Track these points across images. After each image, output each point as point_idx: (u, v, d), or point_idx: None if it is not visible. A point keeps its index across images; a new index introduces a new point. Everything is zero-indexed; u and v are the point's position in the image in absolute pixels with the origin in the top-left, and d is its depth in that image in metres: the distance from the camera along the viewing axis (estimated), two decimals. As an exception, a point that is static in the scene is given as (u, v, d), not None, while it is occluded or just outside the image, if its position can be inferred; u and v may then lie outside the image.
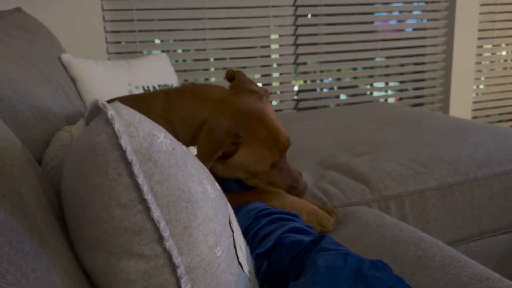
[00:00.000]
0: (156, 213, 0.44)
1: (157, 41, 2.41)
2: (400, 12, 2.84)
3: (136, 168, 0.42)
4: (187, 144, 0.83)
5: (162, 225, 0.44)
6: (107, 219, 0.43)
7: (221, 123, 0.89)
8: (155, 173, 0.44)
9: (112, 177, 0.42)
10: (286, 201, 0.98)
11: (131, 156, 0.42)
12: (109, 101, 1.01)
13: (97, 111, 0.45)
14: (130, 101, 0.96)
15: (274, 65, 2.62)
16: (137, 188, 0.43)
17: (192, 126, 0.92)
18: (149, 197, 0.43)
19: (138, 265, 0.45)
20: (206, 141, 0.88)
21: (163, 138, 0.46)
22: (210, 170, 0.87)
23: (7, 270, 0.36)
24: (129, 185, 0.43)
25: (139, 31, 2.30)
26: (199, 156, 0.86)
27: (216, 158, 0.88)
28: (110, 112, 0.42)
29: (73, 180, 0.45)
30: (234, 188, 1.08)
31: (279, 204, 0.97)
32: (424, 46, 2.89)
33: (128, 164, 0.42)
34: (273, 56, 2.64)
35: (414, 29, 2.91)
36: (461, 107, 2.99)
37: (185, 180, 0.47)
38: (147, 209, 0.43)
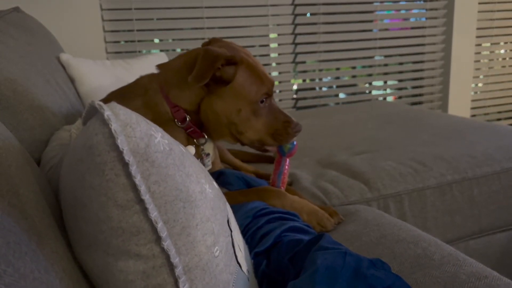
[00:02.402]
0: (153, 214, 0.43)
1: (156, 41, 2.41)
2: (399, 10, 2.85)
3: (133, 169, 0.42)
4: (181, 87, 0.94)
5: (159, 226, 0.44)
6: (105, 220, 0.43)
7: (215, 48, 0.96)
8: (152, 174, 0.44)
9: (109, 177, 0.42)
10: (286, 200, 0.98)
11: (128, 157, 0.42)
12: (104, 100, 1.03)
13: (94, 111, 0.45)
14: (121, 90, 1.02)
15: (273, 64, 2.62)
16: (135, 188, 0.43)
17: (187, 62, 0.99)
18: (146, 197, 0.43)
19: (136, 265, 0.45)
20: (203, 59, 0.93)
21: (160, 138, 0.46)
22: (210, 110, 0.97)
23: (4, 271, 0.36)
24: (127, 186, 0.43)
25: (138, 30, 2.30)
26: (197, 73, 0.91)
27: (214, 78, 0.94)
28: (107, 112, 0.42)
29: (71, 180, 0.45)
30: (234, 185, 1.08)
31: (279, 203, 0.97)
32: (423, 45, 2.89)
33: (125, 165, 0.42)
34: (272, 55, 2.64)
35: (413, 28, 2.91)
36: (460, 105, 2.99)
37: (182, 180, 0.46)
38: (145, 210, 0.43)
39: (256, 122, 1.02)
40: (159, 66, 1.06)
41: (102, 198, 0.43)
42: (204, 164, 1.05)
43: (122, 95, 1.04)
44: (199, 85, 0.95)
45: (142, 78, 1.06)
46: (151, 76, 1.05)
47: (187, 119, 1.00)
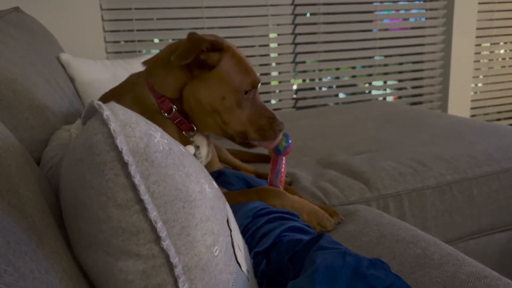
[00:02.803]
0: (153, 214, 0.43)
1: (156, 41, 2.40)
2: (398, 10, 2.85)
3: (132, 169, 0.42)
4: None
5: (159, 225, 0.44)
6: (105, 219, 0.43)
7: (201, 34, 0.96)
8: (152, 173, 0.44)
9: (109, 177, 0.42)
10: (286, 200, 0.98)
11: (127, 157, 0.42)
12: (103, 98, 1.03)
13: (93, 111, 0.45)
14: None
15: (273, 64, 2.62)
16: (134, 188, 0.43)
17: (171, 50, 0.98)
18: (146, 197, 0.43)
19: (136, 265, 0.45)
20: (188, 40, 0.93)
21: (159, 138, 0.46)
22: (193, 97, 0.95)
23: (4, 271, 0.36)
24: (126, 186, 0.43)
25: (138, 30, 2.29)
26: (180, 52, 0.91)
27: (198, 62, 0.94)
28: (106, 112, 0.42)
29: (71, 180, 0.45)
30: (234, 184, 1.08)
31: (279, 203, 0.97)
32: (422, 45, 2.89)
33: (125, 165, 0.42)
34: (272, 55, 2.64)
35: (413, 28, 2.91)
36: (459, 105, 2.99)
37: (182, 180, 0.47)
38: (144, 210, 0.43)
39: (240, 113, 1.00)
40: (145, 62, 1.07)
41: (102, 198, 0.43)
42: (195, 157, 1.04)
43: (114, 95, 1.05)
44: (181, 64, 0.93)
45: (131, 76, 1.07)
46: (139, 72, 1.06)
47: (173, 109, 0.99)
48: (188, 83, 0.98)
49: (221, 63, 0.97)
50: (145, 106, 0.99)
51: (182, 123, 1.01)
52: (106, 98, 1.05)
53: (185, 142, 1.03)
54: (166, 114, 0.99)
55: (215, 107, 0.98)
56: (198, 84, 0.97)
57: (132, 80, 1.05)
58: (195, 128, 1.02)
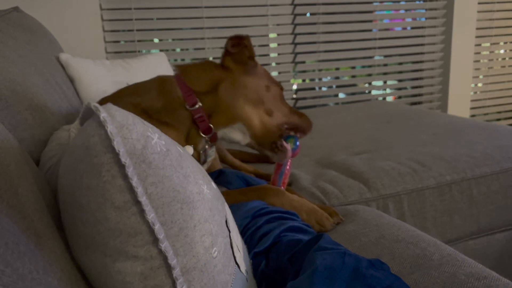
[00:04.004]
0: (150, 215, 0.43)
1: (156, 40, 2.41)
2: (399, 10, 2.85)
3: (129, 171, 0.42)
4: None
5: (157, 227, 0.44)
6: (102, 221, 0.43)
7: None
8: (149, 175, 0.44)
9: (106, 179, 0.42)
10: (285, 199, 0.98)
11: (124, 159, 0.42)
12: (108, 99, 1.03)
13: (90, 113, 0.45)
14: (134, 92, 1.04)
15: (273, 64, 2.62)
16: (131, 190, 0.43)
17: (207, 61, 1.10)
18: (143, 199, 0.43)
19: (133, 266, 0.45)
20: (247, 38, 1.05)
21: (157, 139, 0.46)
22: (235, 85, 1.03)
23: (2, 272, 0.36)
24: (123, 187, 0.42)
25: (138, 30, 2.30)
26: (233, 39, 1.05)
27: (239, 58, 1.05)
28: (103, 114, 0.42)
29: (68, 181, 0.45)
30: (234, 183, 1.08)
31: (278, 202, 0.97)
32: (422, 45, 2.89)
33: (122, 167, 0.42)
34: (272, 55, 2.64)
35: (413, 28, 2.91)
36: (459, 105, 2.99)
37: (180, 181, 0.46)
38: (142, 211, 0.43)
39: (282, 106, 1.07)
40: (177, 66, 1.10)
41: (99, 200, 0.43)
42: (207, 155, 1.04)
43: (137, 90, 1.05)
44: (233, 51, 1.04)
45: (158, 76, 1.10)
46: (167, 74, 1.10)
47: (198, 104, 1.01)
48: (225, 78, 1.03)
49: (259, 66, 1.09)
50: (170, 98, 1.01)
51: (202, 120, 1.02)
52: (125, 92, 1.04)
53: (193, 140, 1.03)
54: (189, 107, 1.00)
55: (261, 95, 1.03)
56: (241, 76, 1.04)
57: (160, 78, 1.07)
58: (212, 128, 1.03)
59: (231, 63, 1.05)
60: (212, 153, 1.06)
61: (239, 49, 1.04)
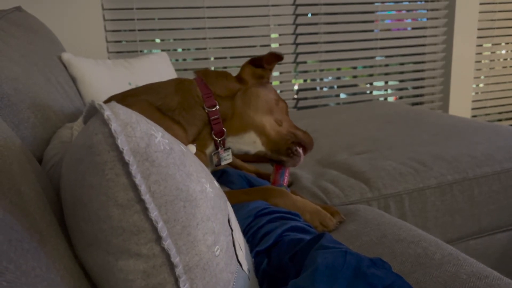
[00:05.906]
0: (154, 213, 0.43)
1: (157, 40, 2.41)
2: (400, 11, 2.85)
3: (133, 169, 0.42)
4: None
5: (160, 225, 0.44)
6: (105, 219, 0.43)
7: None
8: (152, 173, 0.44)
9: (109, 177, 0.42)
10: (288, 199, 0.98)
11: (128, 157, 0.42)
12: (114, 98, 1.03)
13: (94, 111, 0.45)
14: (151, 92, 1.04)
15: (274, 64, 2.62)
16: (135, 188, 0.43)
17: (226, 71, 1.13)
18: (146, 197, 0.43)
19: (136, 264, 0.45)
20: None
21: (160, 137, 0.46)
22: (250, 95, 1.07)
23: (6, 268, 0.36)
24: (127, 185, 0.43)
25: (139, 30, 2.30)
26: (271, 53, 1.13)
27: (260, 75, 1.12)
28: (107, 112, 0.42)
29: (71, 179, 0.45)
30: (237, 183, 1.08)
31: (282, 202, 0.97)
32: (424, 45, 2.89)
33: (125, 165, 0.42)
34: (273, 55, 2.63)
35: (414, 28, 2.91)
36: (460, 105, 2.99)
37: (183, 179, 0.47)
38: (145, 209, 0.43)
39: (289, 119, 1.11)
40: (197, 71, 1.12)
41: (102, 198, 0.43)
42: (220, 159, 1.05)
43: (152, 87, 1.04)
44: (268, 67, 1.13)
45: (177, 77, 1.13)
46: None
47: (217, 106, 1.02)
48: (241, 88, 1.07)
49: (271, 84, 1.15)
50: (188, 96, 1.01)
51: (218, 122, 1.02)
52: (141, 91, 1.04)
53: (203, 142, 1.04)
54: (207, 107, 1.01)
55: (271, 106, 1.07)
56: (256, 88, 1.08)
57: (179, 78, 1.09)
58: (224, 132, 1.04)
59: (249, 75, 1.11)
60: (227, 157, 1.06)
61: (271, 67, 1.13)
